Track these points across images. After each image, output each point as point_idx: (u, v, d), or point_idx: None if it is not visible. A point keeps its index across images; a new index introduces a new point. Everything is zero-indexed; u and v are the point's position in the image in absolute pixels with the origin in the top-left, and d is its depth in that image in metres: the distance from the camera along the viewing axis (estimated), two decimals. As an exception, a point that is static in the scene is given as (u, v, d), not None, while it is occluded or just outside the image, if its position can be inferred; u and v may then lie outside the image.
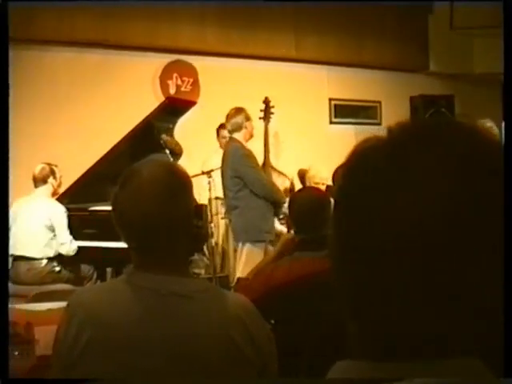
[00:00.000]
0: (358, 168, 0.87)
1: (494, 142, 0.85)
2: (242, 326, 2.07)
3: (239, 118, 6.92)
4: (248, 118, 6.95)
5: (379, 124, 10.16)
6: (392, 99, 10.02)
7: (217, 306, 2.09)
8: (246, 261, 6.65)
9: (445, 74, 10.73)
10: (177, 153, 6.90)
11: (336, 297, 0.87)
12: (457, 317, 0.80)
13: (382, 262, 0.80)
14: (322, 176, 7.63)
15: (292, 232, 4.16)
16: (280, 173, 8.02)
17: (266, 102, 7.66)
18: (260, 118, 7.65)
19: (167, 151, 6.71)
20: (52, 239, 6.54)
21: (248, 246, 6.76)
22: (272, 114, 7.65)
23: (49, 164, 6.82)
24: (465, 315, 0.80)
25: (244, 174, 6.77)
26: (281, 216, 7.02)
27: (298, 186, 8.03)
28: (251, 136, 7.02)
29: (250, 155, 6.84)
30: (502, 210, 0.80)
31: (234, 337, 2.04)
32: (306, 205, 3.71)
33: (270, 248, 6.64)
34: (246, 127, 6.91)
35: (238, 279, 5.63)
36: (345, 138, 9.35)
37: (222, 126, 8.50)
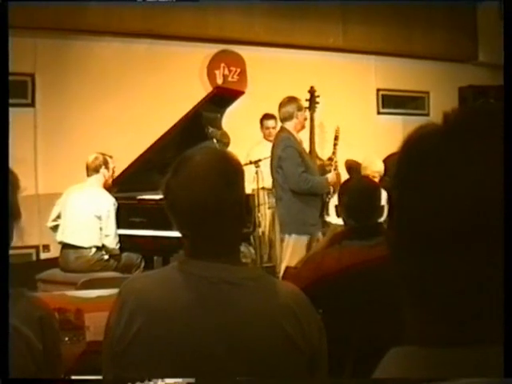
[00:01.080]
0: (416, 152, 0.87)
1: None
2: (292, 315, 2.06)
3: (291, 107, 6.87)
4: (300, 108, 6.90)
5: (427, 115, 10.08)
6: (440, 90, 9.94)
7: (267, 294, 2.09)
8: (292, 252, 6.67)
9: (494, 64, 10.60)
10: (224, 142, 6.91)
11: (394, 284, 0.87)
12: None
13: (444, 246, 0.80)
14: (374, 169, 7.57)
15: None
16: (324, 162, 8.00)
17: (312, 91, 7.62)
18: (306, 108, 7.63)
19: (215, 141, 6.72)
20: (100, 229, 6.58)
21: (294, 237, 6.74)
22: (317, 103, 7.62)
23: (103, 154, 6.83)
24: None
25: (284, 166, 6.74)
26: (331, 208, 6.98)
27: (345, 176, 8.02)
28: (303, 127, 6.97)
29: (294, 146, 6.76)
30: None
31: (285, 326, 2.03)
32: (357, 193, 3.69)
33: (321, 236, 6.65)
34: (297, 117, 6.86)
35: (287, 268, 5.63)
36: (392, 129, 9.30)
37: (265, 117, 8.51)
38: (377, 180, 6.89)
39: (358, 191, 3.71)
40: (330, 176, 6.86)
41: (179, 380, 1.84)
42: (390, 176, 0.90)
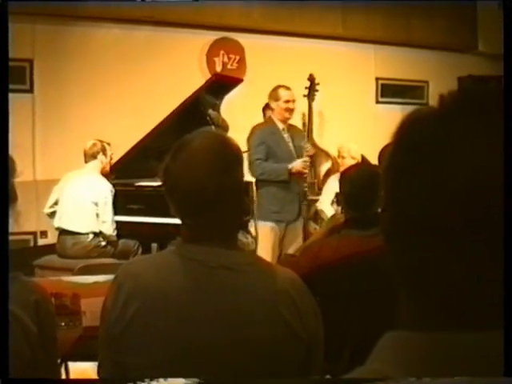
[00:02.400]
0: (412, 135, 0.87)
1: None
2: (289, 300, 2.06)
3: (270, 98, 7.05)
4: (277, 99, 6.97)
5: (426, 104, 10.00)
6: (440, 79, 9.91)
7: (264, 279, 2.08)
8: (260, 238, 6.93)
9: (494, 54, 10.59)
10: (223, 130, 6.92)
11: (391, 273, 0.86)
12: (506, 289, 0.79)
13: (441, 233, 0.80)
14: (349, 148, 7.61)
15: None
16: (322, 151, 8.00)
17: (311, 79, 7.60)
18: (304, 96, 7.61)
19: (213, 128, 6.72)
20: (97, 215, 6.59)
21: (260, 223, 6.94)
22: (317, 91, 7.60)
23: (101, 141, 6.84)
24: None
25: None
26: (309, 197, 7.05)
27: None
28: (284, 116, 7.00)
29: (260, 135, 6.92)
30: None
31: (282, 311, 2.03)
32: (357, 182, 3.66)
33: (313, 226, 6.73)
34: (273, 107, 7.02)
35: (284, 256, 5.66)
36: (391, 118, 9.25)
37: (267, 106, 8.51)
38: (349, 162, 6.95)
39: (358, 179, 3.68)
40: (294, 164, 6.85)
41: (182, 380, 1.84)
42: (385, 161, 0.89)
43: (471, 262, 0.79)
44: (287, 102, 6.96)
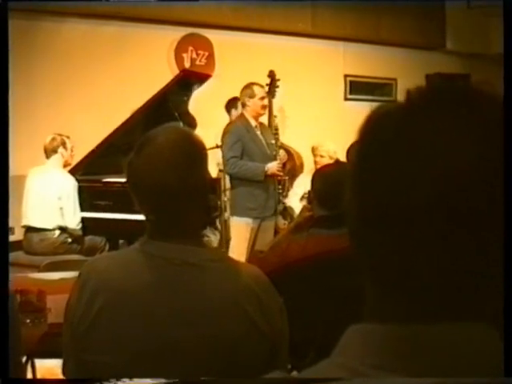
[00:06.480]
0: (378, 129, 0.86)
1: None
2: (253, 297, 2.05)
3: (243, 94, 7.01)
4: (252, 95, 6.95)
5: (394, 101, 10.07)
6: (408, 77, 9.96)
7: (229, 275, 2.07)
8: (234, 234, 6.96)
9: (461, 52, 10.66)
10: (191, 126, 6.90)
11: (355, 263, 0.86)
12: (475, 281, 0.80)
13: (404, 223, 0.80)
14: (329, 148, 7.64)
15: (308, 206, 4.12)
16: (287, 148, 8.00)
17: (271, 75, 7.57)
18: (266, 92, 7.60)
19: (181, 124, 6.70)
20: (61, 209, 6.56)
21: (235, 219, 6.97)
22: (277, 87, 7.56)
23: (60, 135, 6.82)
24: (483, 280, 0.80)
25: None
26: (283, 192, 7.08)
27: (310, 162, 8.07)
28: (258, 113, 7.00)
29: (235, 132, 6.90)
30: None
31: (246, 308, 2.02)
32: (330, 180, 3.62)
33: (282, 221, 6.77)
34: (248, 104, 6.98)
35: (253, 252, 5.68)
36: (359, 115, 9.19)
37: (230, 103, 8.46)
38: (327, 162, 6.98)
39: (330, 178, 3.64)
40: (270, 166, 6.87)
41: (148, 380, 1.83)
42: (350, 157, 0.89)
43: (436, 255, 0.79)
44: (262, 98, 6.98)
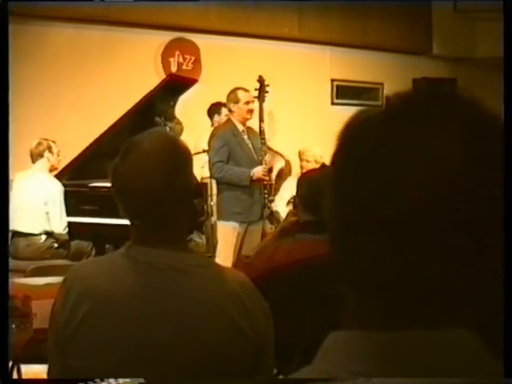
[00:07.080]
0: (357, 136, 0.86)
1: (492, 111, 0.84)
2: (238, 301, 2.05)
3: (229, 99, 7.05)
4: (237, 101, 6.98)
5: (381, 106, 10.10)
6: (395, 81, 9.98)
7: (214, 281, 2.07)
8: (220, 238, 7.00)
9: (448, 57, 10.69)
10: (177, 130, 6.91)
11: (335, 268, 0.86)
12: (457, 288, 0.79)
13: (384, 230, 0.80)
14: (315, 153, 7.66)
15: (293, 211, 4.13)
16: (275, 152, 8.01)
17: (261, 80, 7.58)
18: (255, 97, 7.60)
19: (167, 129, 6.70)
20: (47, 214, 6.55)
21: (221, 223, 7.02)
22: (267, 92, 7.58)
23: (46, 139, 6.81)
24: (466, 287, 0.79)
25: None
26: (270, 198, 7.10)
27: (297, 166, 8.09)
28: (244, 118, 7.04)
29: (222, 136, 6.92)
30: (502, 176, 0.79)
31: (232, 314, 2.01)
32: (315, 185, 3.62)
33: (269, 226, 6.79)
34: (233, 109, 7.00)
35: (240, 257, 5.68)
36: (346, 120, 9.32)
37: (212, 108, 8.44)
38: (312, 166, 7.01)
39: (316, 183, 3.65)
40: (255, 171, 6.90)
41: (128, 380, 1.83)
42: (331, 161, 0.89)
43: (414, 262, 0.79)
44: (247, 103, 7.00)
